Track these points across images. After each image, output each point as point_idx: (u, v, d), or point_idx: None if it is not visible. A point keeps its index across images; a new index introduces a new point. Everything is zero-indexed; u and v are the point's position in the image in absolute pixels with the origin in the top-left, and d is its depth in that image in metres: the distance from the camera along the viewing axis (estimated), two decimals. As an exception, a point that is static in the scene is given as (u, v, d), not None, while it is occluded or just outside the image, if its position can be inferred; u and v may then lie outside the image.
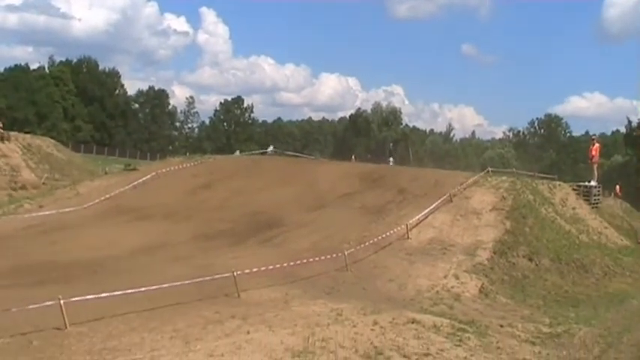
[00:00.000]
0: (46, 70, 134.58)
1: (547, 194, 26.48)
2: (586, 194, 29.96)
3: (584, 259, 22.02)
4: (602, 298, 19.31)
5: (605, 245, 24.66)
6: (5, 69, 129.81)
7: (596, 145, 33.39)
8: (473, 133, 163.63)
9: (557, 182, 30.16)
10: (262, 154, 45.49)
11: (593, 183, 31.13)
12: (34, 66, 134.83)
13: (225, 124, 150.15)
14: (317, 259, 17.80)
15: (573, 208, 26.62)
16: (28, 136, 63.15)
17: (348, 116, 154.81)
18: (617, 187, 51.70)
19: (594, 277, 21.40)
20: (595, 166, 32.59)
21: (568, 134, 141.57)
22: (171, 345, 10.81)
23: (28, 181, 47.73)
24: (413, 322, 13.34)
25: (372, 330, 12.56)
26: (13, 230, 23.45)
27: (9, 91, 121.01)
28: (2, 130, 56.49)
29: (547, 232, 22.79)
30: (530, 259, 20.69)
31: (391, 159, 72.73)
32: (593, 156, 32.80)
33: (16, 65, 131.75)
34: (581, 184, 31.55)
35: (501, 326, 14.56)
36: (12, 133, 58.71)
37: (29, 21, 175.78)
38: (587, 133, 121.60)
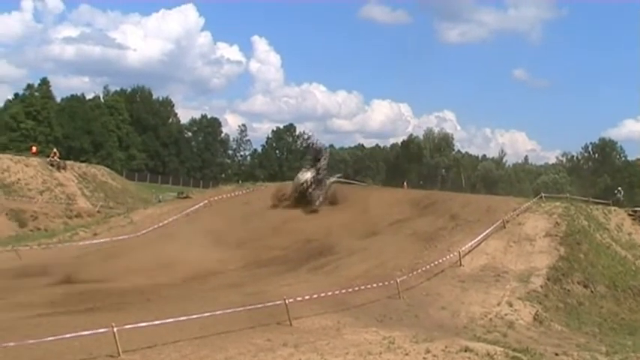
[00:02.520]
0: (101, 99, 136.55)
1: (602, 220, 26.12)
2: (642, 219, 29.42)
3: (642, 286, 21.65)
4: (661, 326, 18.95)
5: (662, 271, 24.21)
6: (62, 99, 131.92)
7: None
8: (525, 158, 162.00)
9: (613, 207, 29.72)
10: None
11: (649, 208, 30.58)
12: (89, 96, 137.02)
13: (277, 151, 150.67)
14: (369, 286, 17.75)
15: (629, 234, 26.21)
16: (83, 164, 64.16)
17: (400, 142, 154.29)
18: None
19: (652, 304, 21.01)
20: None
21: (623, 158, 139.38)
22: (223, 373, 10.84)
23: (83, 209, 48.38)
24: (466, 351, 13.19)
25: (424, 358, 12.48)
26: (68, 258, 23.72)
27: (65, 121, 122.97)
28: (58, 159, 57.46)
29: (602, 258, 22.45)
30: (586, 286, 20.41)
31: None
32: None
33: (72, 95, 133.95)
34: (638, 209, 31.02)
35: (556, 354, 14.34)
36: (68, 162, 59.69)
37: (86, 52, 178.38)
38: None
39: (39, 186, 52.46)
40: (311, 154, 30.42)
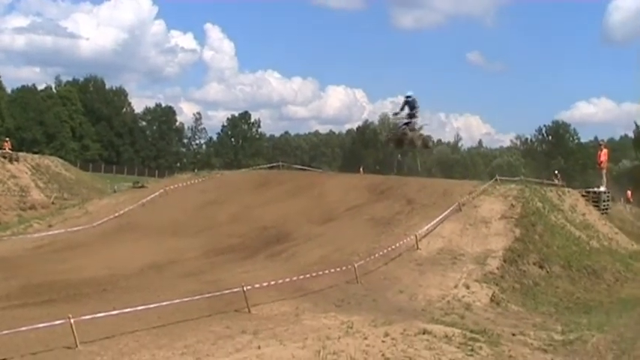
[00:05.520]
0: (54, 90, 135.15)
1: (556, 201, 26.39)
2: (595, 200, 29.82)
3: (595, 265, 21.92)
4: (615, 304, 19.20)
5: (616, 251, 24.56)
6: (13, 90, 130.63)
7: (605, 150, 33.25)
8: (480, 142, 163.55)
9: (566, 189, 30.05)
10: None
11: (602, 188, 30.98)
12: (41, 86, 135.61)
13: (232, 139, 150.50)
14: (327, 272, 17.77)
15: (583, 215, 26.53)
16: (36, 156, 63.53)
17: (355, 128, 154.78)
18: (629, 192, 51.47)
19: (606, 283, 21.30)
20: (604, 172, 32.43)
21: (576, 140, 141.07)
22: (182, 361, 10.80)
23: (37, 200, 47.92)
24: (424, 333, 13.29)
25: (383, 342, 12.52)
26: (23, 250, 23.50)
27: (17, 112, 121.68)
28: (11, 151, 56.80)
29: (557, 238, 22.70)
30: (541, 267, 20.61)
31: None
32: (601, 161, 32.65)
33: (23, 86, 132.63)
34: (591, 189, 31.42)
35: (513, 335, 14.49)
36: (20, 154, 59.07)
37: (37, 42, 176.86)
38: (595, 138, 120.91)
39: (-10, 178, 51.83)
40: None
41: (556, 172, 51.08)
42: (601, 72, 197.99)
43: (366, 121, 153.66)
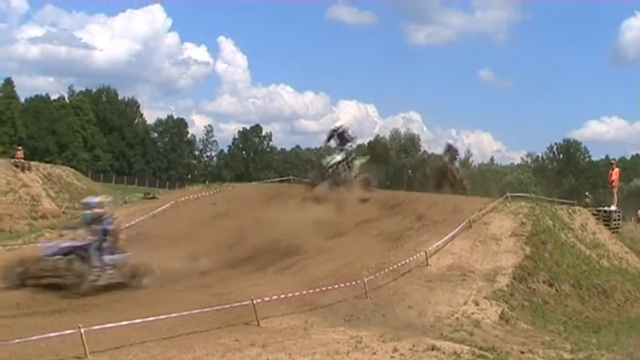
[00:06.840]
0: (66, 99, 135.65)
1: (567, 219, 26.35)
2: (606, 219, 29.75)
3: (605, 285, 21.87)
4: (624, 324, 19.18)
5: (626, 270, 24.48)
6: (26, 99, 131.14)
7: (616, 169, 33.18)
8: (491, 158, 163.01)
9: (577, 207, 30.00)
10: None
11: (613, 208, 30.90)
12: (54, 96, 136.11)
13: (243, 152, 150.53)
14: (336, 286, 17.79)
15: (593, 233, 26.47)
16: (48, 165, 63.81)
17: (366, 143, 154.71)
18: (639, 212, 51.25)
19: (615, 303, 21.24)
20: (615, 191, 32.34)
21: (587, 159, 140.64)
22: (191, 373, 10.84)
23: (48, 210, 48.06)
24: (433, 349, 13.29)
25: (391, 357, 12.54)
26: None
27: (30, 121, 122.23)
28: (23, 160, 57.01)
29: (567, 257, 22.65)
30: (551, 285, 20.58)
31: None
32: (612, 180, 32.58)
33: (36, 95, 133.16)
34: (601, 208, 31.34)
35: (522, 353, 14.48)
36: (33, 163, 59.33)
37: (51, 52, 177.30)
38: (606, 157, 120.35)
39: (3, 187, 52.09)
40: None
41: (587, 193, 50.39)
42: (613, 91, 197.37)
43: (377, 136, 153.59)
